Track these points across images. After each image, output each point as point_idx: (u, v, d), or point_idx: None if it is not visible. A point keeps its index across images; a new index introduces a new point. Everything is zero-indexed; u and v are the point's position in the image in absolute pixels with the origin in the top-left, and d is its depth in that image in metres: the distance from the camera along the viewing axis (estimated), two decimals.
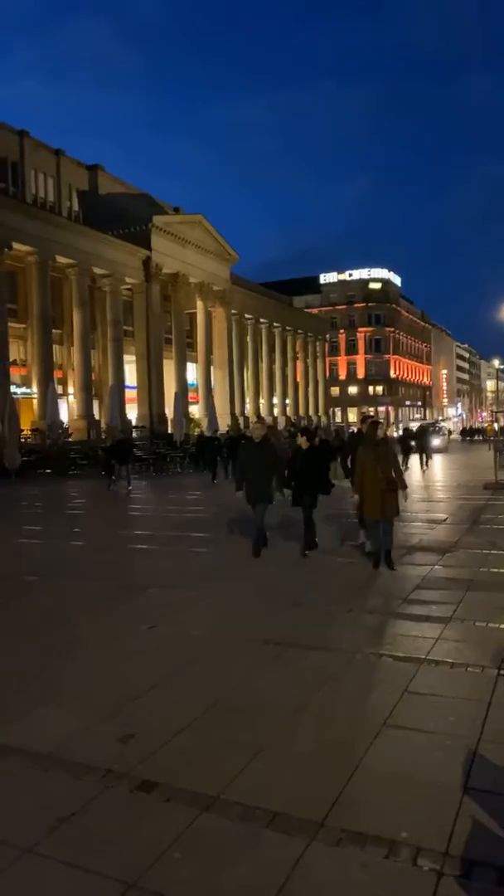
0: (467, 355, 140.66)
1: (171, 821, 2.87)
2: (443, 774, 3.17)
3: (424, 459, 24.20)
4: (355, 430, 14.69)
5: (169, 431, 33.04)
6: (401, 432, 28.15)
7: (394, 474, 7.66)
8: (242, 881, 2.49)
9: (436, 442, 35.54)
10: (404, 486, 7.82)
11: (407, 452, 23.12)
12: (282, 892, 2.40)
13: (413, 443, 23.99)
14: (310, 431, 9.46)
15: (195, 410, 39.19)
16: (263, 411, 49.63)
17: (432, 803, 2.93)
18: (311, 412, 59.36)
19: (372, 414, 12.57)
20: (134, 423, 33.95)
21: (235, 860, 2.61)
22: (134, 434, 32.32)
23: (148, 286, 35.48)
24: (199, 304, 40.42)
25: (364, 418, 9.50)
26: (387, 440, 8.08)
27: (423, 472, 23.18)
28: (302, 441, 8.82)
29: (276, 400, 52.75)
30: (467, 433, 63.59)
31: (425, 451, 24.50)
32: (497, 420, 26.66)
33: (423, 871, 2.50)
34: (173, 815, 2.92)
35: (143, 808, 3.01)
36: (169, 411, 34.38)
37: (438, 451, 33.80)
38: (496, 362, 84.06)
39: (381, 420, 8.87)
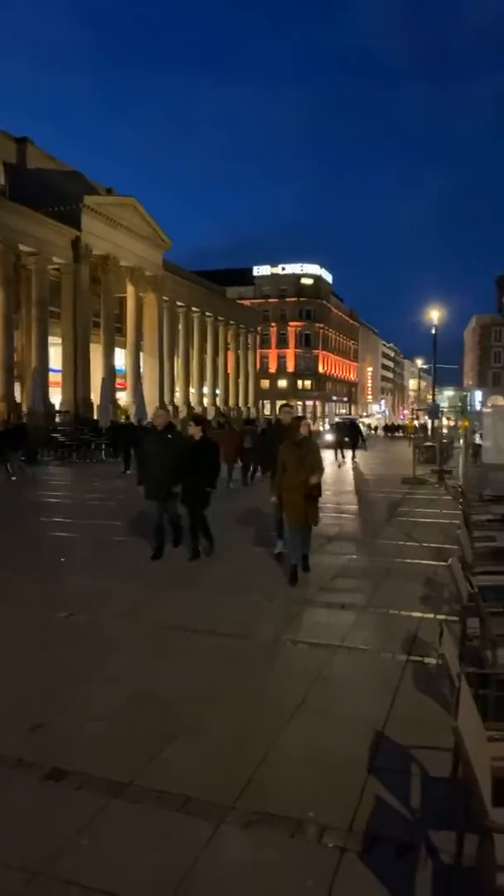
0: (392, 354, 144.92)
1: (81, 808, 2.85)
2: (350, 755, 3.29)
3: (353, 453, 25.58)
4: (273, 419, 14.81)
5: (95, 417, 32.31)
6: (334, 425, 31.41)
7: (314, 478, 6.74)
8: (151, 865, 2.50)
9: (346, 438, 35.14)
10: (319, 475, 6.87)
11: (340, 445, 25.14)
12: (189, 875, 2.44)
13: (347, 437, 25.64)
14: (203, 420, 8.30)
15: (123, 397, 38.49)
16: (193, 401, 49.39)
17: (339, 783, 3.04)
18: (240, 403, 59.54)
19: (292, 405, 9.60)
20: (58, 407, 32.96)
21: (145, 845, 2.61)
22: (57, 419, 31.40)
23: (77, 267, 34.42)
24: (130, 288, 39.64)
25: (285, 406, 8.32)
26: (310, 437, 7.07)
27: (353, 464, 24.31)
28: (194, 431, 7.74)
29: (206, 390, 52.57)
30: (389, 429, 65.85)
31: (356, 445, 26.06)
32: (417, 418, 27.72)
33: (327, 848, 2.59)
34: (84, 802, 2.90)
35: (52, 796, 2.97)
36: (95, 397, 33.60)
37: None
38: (419, 362, 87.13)
39: (305, 414, 8.06)
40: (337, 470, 22.74)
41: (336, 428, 28.28)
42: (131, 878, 2.44)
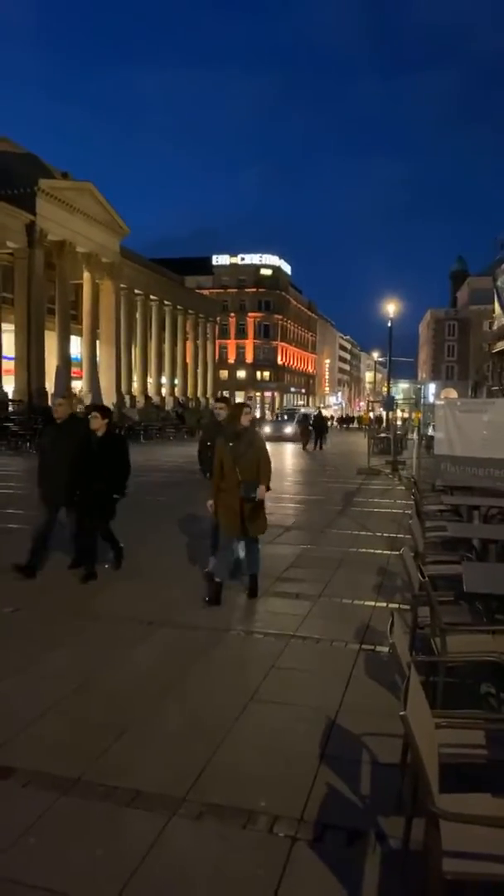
0: (349, 346, 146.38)
1: (27, 806, 2.78)
2: (302, 745, 3.30)
3: (319, 443, 28.15)
4: (182, 410, 14.82)
5: (49, 406, 31.66)
6: (301, 416, 34.57)
7: (260, 475, 5.74)
8: (100, 861, 2.46)
9: (287, 430, 35.43)
10: (266, 486, 5.81)
11: (306, 435, 28.07)
12: (139, 870, 2.40)
13: (311, 427, 28.55)
14: (107, 411, 6.75)
15: (78, 386, 37.80)
16: (151, 390, 48.87)
17: (291, 773, 3.05)
18: (199, 394, 59.24)
19: (227, 395, 10.76)
20: (10, 396, 32.17)
21: (93, 841, 2.57)
22: (10, 408, 30.64)
23: (31, 252, 33.54)
24: (87, 275, 38.86)
25: (218, 399, 7.09)
26: (253, 430, 5.99)
27: (316, 450, 26.56)
28: (98, 424, 6.33)
29: (164, 380, 52.06)
30: (344, 421, 66.80)
31: (321, 435, 28.52)
32: (373, 409, 28.19)
33: (278, 837, 2.60)
34: (31, 800, 2.83)
35: None
36: (50, 385, 32.90)
37: (290, 439, 33.30)
38: (375, 355, 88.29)
39: (247, 403, 6.29)
40: (298, 458, 23.21)
41: (303, 419, 31.76)
42: (79, 876, 2.39)
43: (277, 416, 42.56)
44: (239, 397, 79.02)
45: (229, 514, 5.70)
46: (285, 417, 41.14)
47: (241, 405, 6.08)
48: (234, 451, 5.66)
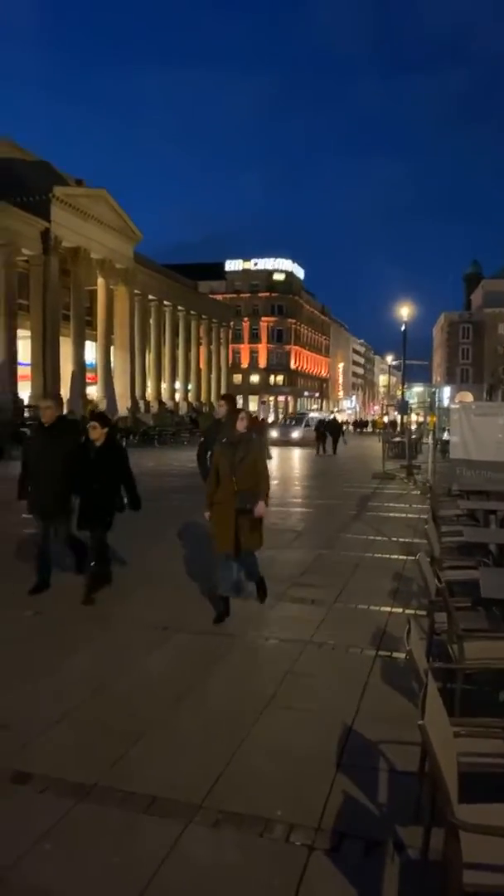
0: (363, 350, 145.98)
1: (44, 812, 2.79)
2: (319, 752, 3.28)
3: (335, 447, 28.80)
4: (196, 415, 15.07)
5: (64, 412, 31.85)
6: (318, 421, 34.46)
7: (258, 486, 5.34)
8: (116, 868, 2.46)
9: (294, 434, 35.40)
10: (264, 498, 5.42)
11: (322, 439, 28.66)
12: (155, 878, 2.40)
13: (327, 431, 29.26)
14: (106, 419, 6.33)
15: (93, 391, 38.04)
16: (165, 395, 49.05)
17: (308, 780, 3.03)
18: (213, 399, 59.37)
19: (231, 395, 7.37)
20: (26, 402, 32.43)
21: (110, 848, 2.57)
22: (26, 414, 30.89)
23: (46, 259, 33.88)
24: (101, 281, 39.15)
25: (223, 396, 6.56)
26: (251, 436, 5.56)
27: (328, 455, 27.47)
28: (96, 434, 5.93)
29: (178, 384, 52.26)
30: (358, 425, 66.60)
31: (336, 439, 29.27)
32: (387, 413, 28.14)
33: (295, 846, 2.58)
34: (48, 806, 2.84)
35: (15, 800, 2.89)
36: (65, 391, 33.14)
37: (297, 444, 33.54)
38: (389, 358, 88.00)
39: (256, 408, 5.55)
40: (311, 462, 23.25)
41: (319, 424, 32.13)
42: (96, 883, 2.39)
43: (285, 421, 42.00)
44: (252, 402, 79.30)
45: (222, 528, 5.28)
46: (293, 422, 40.62)
47: (238, 409, 5.74)
48: (232, 458, 5.26)
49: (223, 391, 62.56)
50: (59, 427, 6.18)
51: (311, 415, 45.57)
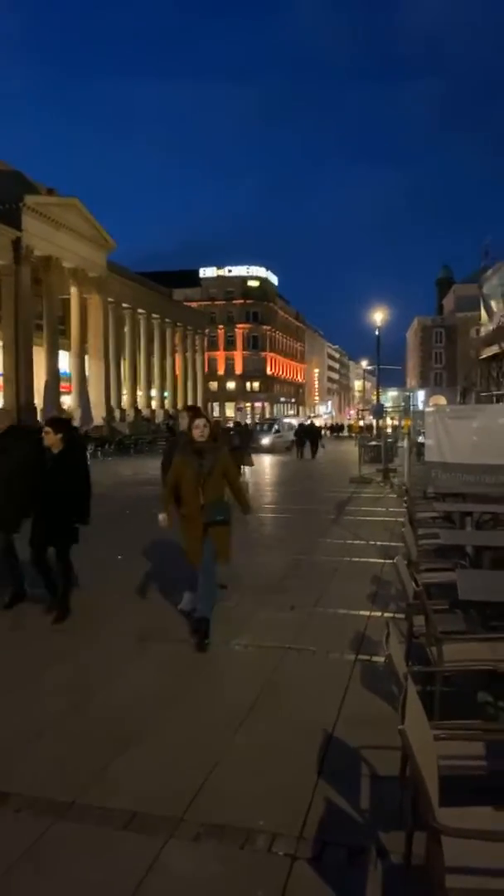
0: (338, 356, 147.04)
1: (22, 832, 2.72)
2: (300, 759, 3.26)
3: (314, 451, 29.11)
4: (173, 423, 14.82)
5: (37, 423, 31.51)
6: (298, 426, 34.69)
7: (234, 493, 5.19)
8: (97, 887, 2.41)
9: (264, 440, 33.64)
10: (248, 508, 5.41)
11: (301, 445, 29.27)
12: (137, 894, 2.35)
13: (306, 437, 29.66)
14: (65, 425, 5.90)
15: (67, 401, 37.69)
16: (141, 403, 48.79)
17: (289, 788, 3.01)
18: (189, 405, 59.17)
19: (195, 406, 9.55)
20: None
21: (90, 866, 2.51)
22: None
23: (17, 268, 33.56)
24: (74, 290, 38.89)
25: (188, 408, 6.12)
26: (218, 445, 5.17)
27: (307, 459, 27.97)
28: (50, 440, 5.52)
29: (154, 392, 52.04)
30: (333, 429, 67.11)
31: (314, 444, 29.57)
32: (362, 418, 28.38)
33: (277, 856, 2.55)
34: (25, 825, 2.77)
35: None
36: (39, 401, 32.78)
37: (268, 451, 31.98)
38: (364, 363, 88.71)
39: (202, 413, 5.12)
40: (290, 466, 23.42)
41: (299, 428, 32.33)
42: None
43: (257, 426, 40.30)
44: (229, 408, 79.32)
45: (193, 543, 4.98)
46: (264, 427, 38.73)
47: (195, 411, 5.32)
48: (198, 469, 4.87)
49: (200, 398, 62.49)
50: (12, 436, 5.89)
51: (285, 420, 44.72)
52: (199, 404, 62.06)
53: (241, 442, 22.22)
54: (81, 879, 2.44)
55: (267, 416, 74.59)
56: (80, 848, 2.63)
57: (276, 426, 37.90)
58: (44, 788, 3.03)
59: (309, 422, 39.29)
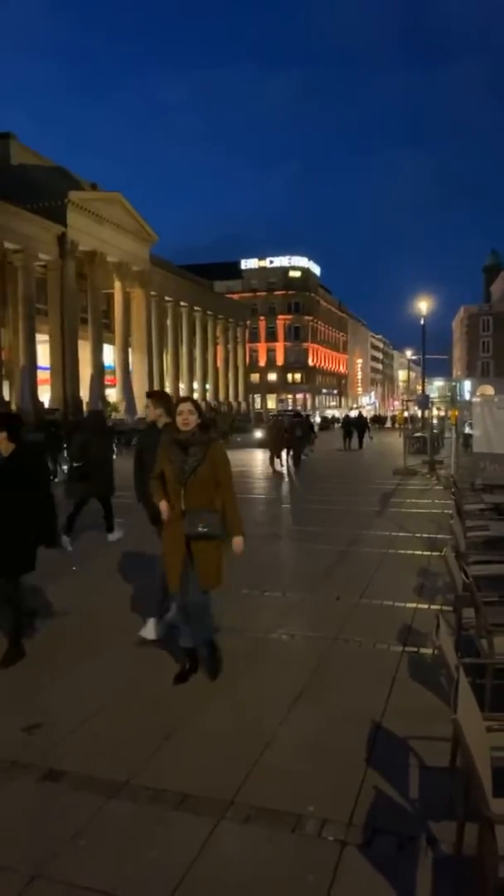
0: (381, 346, 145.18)
1: (78, 809, 2.82)
2: (348, 747, 3.27)
3: (360, 441, 29.56)
4: (213, 415, 15.58)
5: (80, 416, 32.15)
6: (345, 417, 34.56)
7: (223, 508, 3.96)
8: (149, 865, 2.48)
9: (257, 434, 31.21)
10: (240, 531, 4.02)
11: (348, 436, 29.39)
12: (189, 874, 2.41)
13: (353, 428, 29.94)
14: (7, 419, 4.73)
15: (112, 394, 38.33)
16: (183, 395, 49.21)
17: (338, 776, 3.03)
18: (231, 398, 59.46)
19: (161, 392, 6.92)
20: (47, 405, 32.78)
21: (143, 844, 2.59)
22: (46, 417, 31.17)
23: (63, 263, 34.22)
24: (117, 284, 39.44)
25: (149, 394, 5.12)
26: (210, 437, 4.07)
27: (359, 447, 28.68)
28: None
29: (195, 385, 52.44)
30: (375, 420, 66.29)
31: (362, 435, 30.03)
32: (407, 409, 27.96)
33: (327, 841, 2.58)
34: (81, 803, 2.87)
35: (49, 798, 2.93)
36: (85, 394, 33.43)
37: (259, 445, 27.98)
38: (408, 353, 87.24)
39: (206, 401, 4.09)
40: (336, 457, 24.71)
41: (346, 419, 32.59)
42: (129, 879, 2.41)
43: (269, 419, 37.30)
44: (271, 400, 79.26)
45: (173, 560, 3.94)
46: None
47: (185, 399, 4.13)
48: (182, 465, 3.87)
49: (241, 390, 62.62)
50: None
51: (309, 412, 41.99)
52: (241, 396, 62.31)
53: (303, 433, 23.01)
54: (135, 857, 2.52)
55: (309, 407, 74.25)
56: (133, 826, 2.71)
57: (272, 418, 33.41)
58: (97, 769, 3.12)
59: (357, 413, 39.54)
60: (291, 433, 20.42)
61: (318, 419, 46.14)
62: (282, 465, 19.52)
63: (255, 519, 10.37)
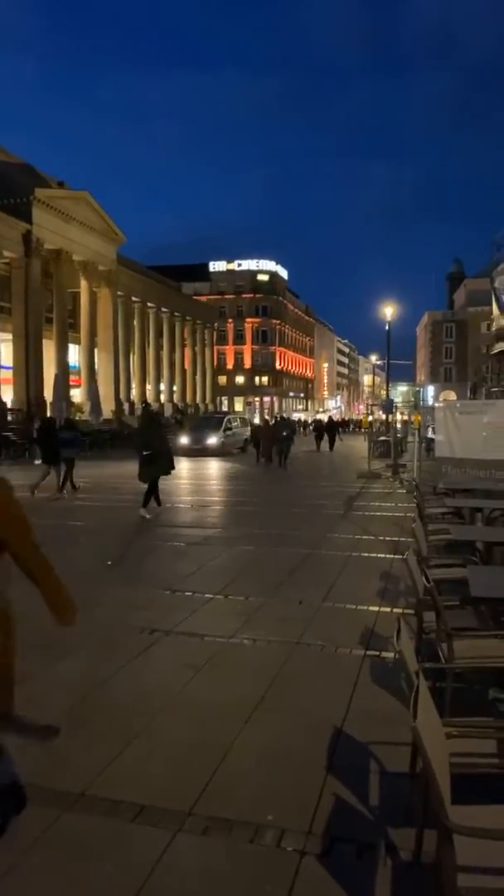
0: (347, 350, 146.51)
1: (31, 823, 2.71)
2: (309, 754, 3.25)
3: (331, 444, 31.48)
4: (181, 417, 17.90)
5: (48, 415, 31.61)
6: (315, 421, 37.48)
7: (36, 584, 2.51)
8: (105, 880, 2.40)
9: (210, 441, 27.08)
10: (66, 614, 2.67)
11: (319, 438, 31.53)
12: (145, 887, 2.35)
13: (325, 432, 32.09)
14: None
15: (77, 394, 37.77)
16: (150, 397, 48.83)
17: (298, 784, 2.99)
18: (198, 400, 59.23)
19: None
20: (9, 405, 32.12)
21: (98, 858, 2.51)
22: (9, 417, 30.58)
23: (28, 261, 33.56)
24: (84, 283, 38.89)
25: None
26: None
27: (330, 450, 30.58)
28: None
29: (163, 386, 52.05)
30: (340, 424, 67.01)
31: (332, 438, 31.87)
32: (372, 413, 28.38)
33: (286, 852, 2.54)
34: (34, 817, 2.76)
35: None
36: (48, 394, 32.87)
37: (213, 453, 26.57)
38: (373, 358, 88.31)
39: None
40: (302, 459, 25.71)
41: (317, 424, 34.99)
42: (87, 893, 2.33)
43: (202, 421, 32.53)
44: (238, 403, 79.26)
45: None
46: (212, 423, 29.80)
47: None
48: None
49: (209, 392, 62.44)
50: None
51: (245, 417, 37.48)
52: (209, 399, 62.17)
53: (289, 432, 24.65)
54: (91, 871, 2.44)
55: (276, 410, 74.44)
56: (89, 840, 2.62)
57: (225, 423, 29.43)
58: (52, 780, 3.02)
59: (327, 417, 42.84)
60: (278, 434, 23.38)
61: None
62: (268, 461, 23.17)
63: (220, 520, 10.30)
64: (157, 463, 10.70)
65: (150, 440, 10.79)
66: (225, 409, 71.44)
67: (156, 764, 3.20)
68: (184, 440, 26.66)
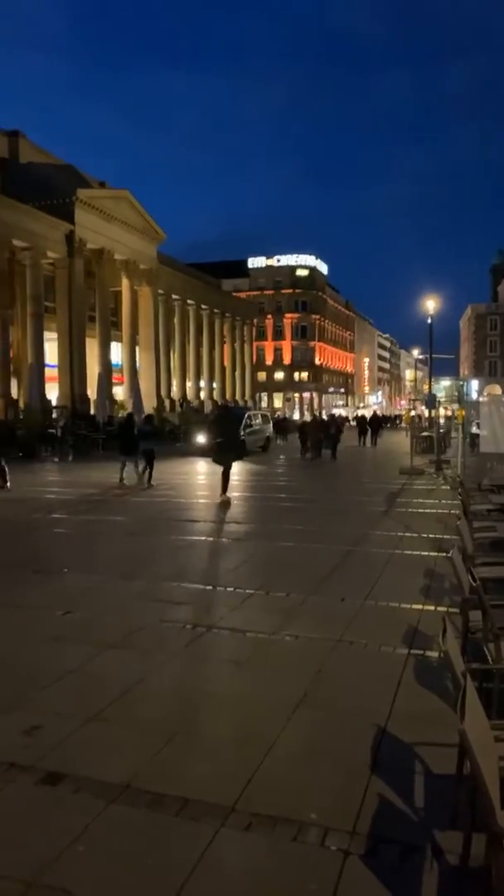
0: (388, 345, 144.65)
1: (76, 814, 2.77)
2: (352, 753, 3.21)
3: (374, 439, 31.97)
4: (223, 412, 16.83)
5: (92, 413, 32.14)
6: (360, 417, 37.09)
7: None
8: (148, 872, 2.43)
9: (198, 440, 23.44)
10: None
11: (363, 434, 31.97)
12: (188, 882, 2.36)
13: (368, 426, 32.64)
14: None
15: (119, 392, 38.32)
16: (190, 394, 49.19)
17: (341, 783, 2.97)
18: (237, 396, 59.36)
19: None
20: (54, 403, 32.78)
21: (142, 851, 2.54)
22: (54, 415, 31.22)
23: (71, 261, 34.18)
24: (125, 282, 39.39)
25: None
26: None
27: (373, 445, 31.06)
28: None
29: (202, 383, 52.37)
30: (384, 420, 65.92)
31: (375, 434, 32.32)
32: (414, 408, 27.97)
33: (330, 851, 2.52)
34: (80, 807, 2.82)
35: (47, 801, 2.89)
36: (92, 392, 33.42)
37: (203, 453, 19.56)
38: (415, 352, 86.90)
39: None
40: (353, 451, 26.90)
41: (360, 419, 34.99)
42: (128, 886, 2.36)
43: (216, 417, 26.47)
44: (277, 399, 79.06)
45: None
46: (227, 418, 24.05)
47: None
48: None
49: (248, 389, 62.50)
50: None
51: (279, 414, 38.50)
52: (248, 395, 62.23)
53: (337, 430, 25.86)
54: (134, 864, 2.47)
55: (315, 406, 73.98)
56: (133, 832, 2.65)
57: (247, 418, 25.87)
58: (97, 772, 3.07)
59: (371, 412, 43.91)
60: (327, 430, 24.80)
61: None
62: (312, 455, 23.82)
63: (261, 515, 10.32)
64: (231, 450, 12.30)
65: (224, 430, 12.41)
66: (265, 405, 71.39)
67: (199, 758, 3.22)
68: (200, 439, 23.28)
